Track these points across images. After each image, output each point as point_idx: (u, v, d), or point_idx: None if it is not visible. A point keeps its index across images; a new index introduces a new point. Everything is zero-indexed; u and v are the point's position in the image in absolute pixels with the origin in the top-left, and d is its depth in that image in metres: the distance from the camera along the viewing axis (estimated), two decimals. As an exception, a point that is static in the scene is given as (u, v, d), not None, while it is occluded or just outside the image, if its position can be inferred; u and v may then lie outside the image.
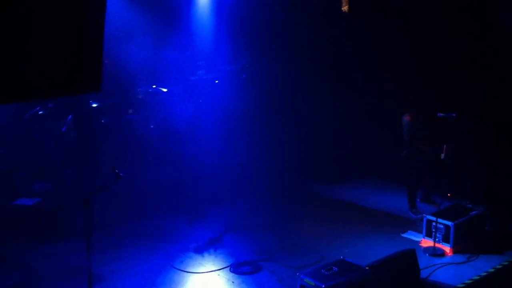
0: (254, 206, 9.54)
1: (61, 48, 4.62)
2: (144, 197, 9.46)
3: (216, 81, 11.51)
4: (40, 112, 9.38)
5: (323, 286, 6.13)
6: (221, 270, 7.50)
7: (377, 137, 10.72)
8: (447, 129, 8.62)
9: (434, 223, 8.03)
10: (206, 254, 7.95)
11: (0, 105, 7.58)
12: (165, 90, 11.06)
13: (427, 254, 7.89)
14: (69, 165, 9.61)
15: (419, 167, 9.17)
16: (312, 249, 8.02)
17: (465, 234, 8.04)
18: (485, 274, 7.38)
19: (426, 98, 9.45)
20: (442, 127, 8.68)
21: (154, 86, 11.10)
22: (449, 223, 7.95)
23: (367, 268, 6.57)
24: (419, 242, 8.25)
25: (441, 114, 8.18)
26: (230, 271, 7.49)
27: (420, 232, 8.38)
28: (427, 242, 8.16)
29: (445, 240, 7.97)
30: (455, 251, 7.90)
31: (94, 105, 10.25)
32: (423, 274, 7.29)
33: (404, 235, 8.51)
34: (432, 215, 8.14)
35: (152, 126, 10.90)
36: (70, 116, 9.64)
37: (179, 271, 7.49)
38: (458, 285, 7.12)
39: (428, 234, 8.16)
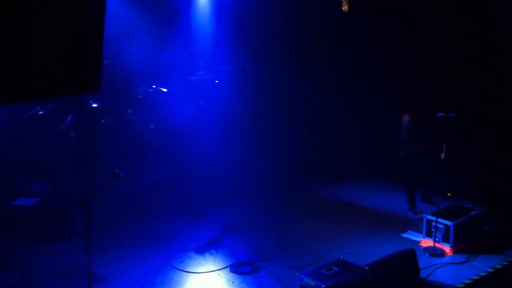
0: (254, 206, 9.53)
1: (61, 48, 4.62)
2: (144, 197, 9.46)
3: (216, 81, 11.51)
4: (40, 112, 9.38)
5: (323, 286, 6.14)
6: (221, 270, 7.51)
7: (377, 137, 10.71)
8: (447, 129, 8.62)
9: (434, 223, 8.04)
10: (206, 254, 7.95)
11: (0, 105, 7.57)
12: (165, 90, 11.06)
13: (427, 254, 7.89)
14: (69, 165, 9.60)
15: (418, 167, 9.17)
16: (312, 249, 8.02)
17: (465, 234, 8.05)
18: (484, 274, 7.39)
19: (426, 98, 9.45)
20: (442, 127, 8.68)
21: (154, 86, 11.10)
22: (449, 223, 7.95)
23: (366, 268, 6.57)
24: (419, 242, 8.26)
25: (441, 114, 8.18)
26: (230, 271, 7.49)
27: (420, 232, 8.38)
28: (427, 242, 8.16)
29: (445, 240, 7.98)
30: (455, 251, 7.91)
31: (94, 105, 10.25)
32: (423, 274, 7.30)
33: (404, 235, 8.51)
34: (432, 215, 8.14)
35: (152, 126, 10.91)
36: (70, 116, 9.64)
37: (179, 271, 7.49)
38: (457, 285, 7.12)
39: (428, 234, 8.16)
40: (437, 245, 7.98)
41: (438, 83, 9.98)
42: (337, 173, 10.94)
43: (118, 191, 8.30)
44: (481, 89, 9.68)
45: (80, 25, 4.67)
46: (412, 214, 9.18)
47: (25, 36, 4.35)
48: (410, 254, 7.19)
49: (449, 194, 8.82)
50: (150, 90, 11.08)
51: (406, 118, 9.03)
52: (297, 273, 6.54)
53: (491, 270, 7.50)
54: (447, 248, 7.95)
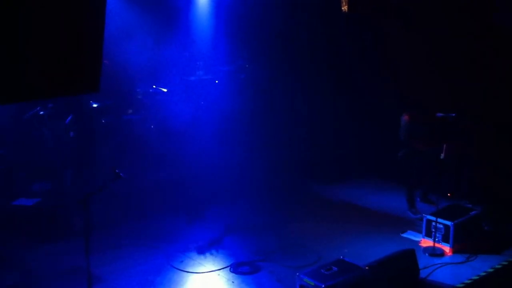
0: (254, 206, 9.54)
1: (61, 48, 4.62)
2: (144, 197, 9.46)
3: (216, 81, 11.52)
4: (40, 112, 9.38)
5: (323, 286, 6.14)
6: (221, 270, 7.50)
7: (377, 137, 10.72)
8: (446, 129, 8.62)
9: (433, 223, 8.04)
10: (206, 254, 7.95)
11: (0, 105, 7.58)
12: (165, 90, 11.07)
13: (426, 254, 7.89)
14: (69, 165, 9.61)
15: (418, 167, 9.17)
16: (311, 249, 8.02)
17: (464, 234, 8.05)
18: (484, 274, 7.39)
19: (426, 98, 9.45)
20: (441, 127, 8.68)
21: (154, 86, 11.11)
22: (448, 223, 7.95)
23: (366, 268, 6.58)
24: (418, 242, 8.26)
25: (440, 114, 8.18)
26: (230, 271, 7.49)
27: (419, 232, 8.39)
28: (426, 242, 8.16)
29: (445, 240, 7.98)
30: (455, 251, 7.91)
31: (94, 105, 10.26)
32: (423, 274, 7.30)
33: (404, 235, 8.51)
34: (432, 215, 8.14)
35: (152, 126, 10.92)
36: (70, 116, 9.65)
37: (179, 271, 7.49)
38: (457, 285, 7.12)
39: (428, 234, 8.16)
40: (437, 245, 7.98)
41: (438, 83, 9.99)
42: (337, 173, 10.94)
43: (118, 191, 8.30)
44: (481, 89, 9.69)
45: (80, 25, 4.68)
46: (411, 214, 9.18)
47: (25, 36, 4.35)
48: (410, 254, 7.20)
49: (448, 194, 8.82)
50: (150, 90, 11.09)
51: (405, 118, 9.03)
52: (297, 273, 6.54)
53: (491, 270, 7.50)
54: (446, 248, 7.95)
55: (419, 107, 9.16)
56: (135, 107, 11.04)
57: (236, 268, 7.53)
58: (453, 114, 8.07)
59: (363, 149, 11.06)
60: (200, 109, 11.14)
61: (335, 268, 6.47)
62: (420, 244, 8.18)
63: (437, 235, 8.01)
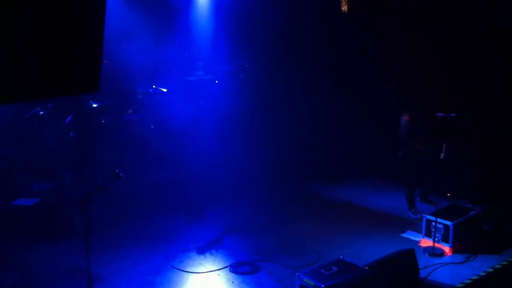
0: (254, 206, 9.54)
1: (61, 48, 4.62)
2: (144, 197, 9.46)
3: (216, 81, 11.52)
4: (40, 112, 9.39)
5: (323, 286, 6.14)
6: (220, 270, 7.51)
7: (377, 137, 10.72)
8: (446, 129, 8.63)
9: (433, 223, 8.04)
10: (205, 254, 7.96)
11: (0, 105, 7.58)
12: (164, 90, 11.07)
13: (426, 254, 7.90)
14: (69, 165, 9.61)
15: (418, 167, 9.17)
16: (311, 249, 8.02)
17: (464, 234, 8.05)
18: (484, 274, 7.39)
19: (426, 98, 9.46)
20: (441, 127, 8.68)
21: (154, 86, 11.11)
22: (448, 223, 7.96)
23: (366, 267, 6.58)
24: (418, 242, 8.26)
25: (440, 114, 8.18)
26: (230, 271, 7.49)
27: (419, 232, 8.39)
28: (426, 242, 8.16)
29: (444, 240, 7.98)
30: (454, 250, 7.91)
31: (94, 105, 10.26)
32: (422, 273, 7.30)
33: (404, 235, 8.52)
34: (432, 215, 8.15)
35: (152, 126, 10.92)
36: (70, 116, 9.65)
37: (179, 271, 7.49)
38: (457, 285, 7.13)
39: (428, 234, 8.16)
40: (437, 245, 7.98)
41: (438, 83, 9.99)
42: (337, 173, 10.93)
43: (118, 191, 8.32)
44: (481, 89, 9.69)
45: (80, 25, 4.67)
46: (411, 214, 9.18)
47: (25, 36, 4.35)
48: (410, 254, 7.20)
49: (448, 194, 8.82)
50: (150, 90, 11.10)
51: (405, 118, 9.03)
52: (297, 273, 6.55)
53: (491, 270, 7.50)
54: (446, 248, 7.96)
55: (419, 107, 9.16)
56: (135, 107, 11.04)
57: (236, 268, 7.53)
58: (453, 114, 8.07)
59: (363, 149, 11.06)
60: (200, 109, 11.14)
61: (335, 268, 6.47)
62: (420, 244, 8.19)
63: (437, 235, 8.02)
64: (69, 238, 8.09)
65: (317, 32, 11.45)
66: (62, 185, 9.43)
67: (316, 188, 10.53)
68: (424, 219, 8.25)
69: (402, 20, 10.45)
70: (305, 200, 9.95)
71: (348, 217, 9.25)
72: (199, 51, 11.44)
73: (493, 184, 9.22)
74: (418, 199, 9.54)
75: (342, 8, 10.62)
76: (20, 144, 9.52)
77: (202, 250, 8.06)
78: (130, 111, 10.97)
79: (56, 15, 4.51)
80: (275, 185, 10.36)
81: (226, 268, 7.54)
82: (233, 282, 7.24)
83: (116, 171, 6.49)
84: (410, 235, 8.49)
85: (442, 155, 8.18)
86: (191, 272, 7.48)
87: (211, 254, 7.97)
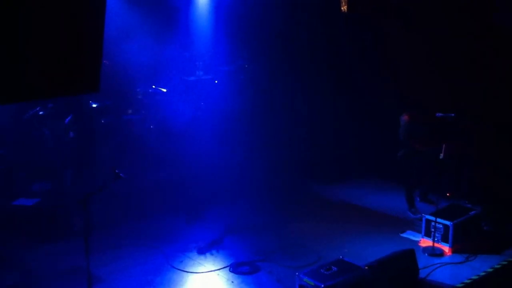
0: (254, 206, 9.54)
1: (61, 48, 4.63)
2: (144, 197, 9.47)
3: (216, 81, 11.52)
4: (40, 112, 9.39)
5: (322, 286, 6.15)
6: (220, 270, 7.51)
7: (377, 137, 10.72)
8: (446, 129, 8.63)
9: (433, 223, 8.04)
10: (205, 254, 7.96)
11: (0, 105, 7.58)
12: (164, 90, 11.07)
13: (426, 254, 7.90)
14: (69, 165, 9.61)
15: (418, 167, 9.18)
16: (311, 249, 8.02)
17: (464, 234, 8.06)
18: (483, 274, 7.39)
19: (426, 98, 9.46)
20: (441, 127, 8.68)
21: (153, 87, 11.12)
22: (448, 222, 7.96)
23: (366, 267, 6.58)
24: (418, 242, 8.26)
25: (440, 114, 8.18)
26: (230, 271, 7.49)
27: (419, 232, 8.39)
28: (426, 242, 8.17)
29: (444, 240, 7.98)
30: (454, 250, 7.91)
31: (94, 105, 10.26)
32: (422, 273, 7.30)
33: (403, 235, 8.52)
34: (431, 215, 8.15)
35: (151, 126, 10.92)
36: (70, 116, 9.65)
37: (179, 271, 7.49)
38: (457, 285, 7.13)
39: (427, 234, 8.16)
40: (436, 245, 7.98)
41: (438, 83, 9.99)
42: (337, 173, 10.94)
43: (118, 191, 8.31)
44: (481, 89, 9.69)
45: (80, 25, 4.68)
46: (411, 214, 9.18)
47: (25, 36, 4.36)
48: (409, 254, 7.20)
49: (448, 194, 8.82)
50: (150, 90, 11.10)
51: (405, 118, 9.04)
52: (297, 273, 6.55)
53: (490, 270, 7.50)
54: (446, 248, 7.96)
55: (419, 107, 9.16)
56: (135, 107, 11.04)
57: (235, 268, 7.53)
58: (453, 114, 8.06)
59: (363, 149, 11.06)
60: (200, 109, 11.15)
61: (334, 268, 6.47)
62: (419, 244, 8.19)
63: (437, 235, 8.02)
64: (69, 238, 8.09)
65: (317, 32, 11.45)
66: (62, 185, 9.43)
67: (316, 188, 10.53)
68: (423, 219, 8.25)
69: (402, 20, 10.45)
70: (305, 200, 9.95)
71: (348, 217, 9.25)
72: (199, 51, 11.44)
73: (493, 184, 9.22)
74: (418, 199, 9.55)
75: (342, 8, 10.63)
76: (20, 144, 9.52)
77: (202, 250, 8.06)
78: (130, 111, 10.97)
79: (56, 15, 4.52)
80: (275, 185, 10.37)
81: (226, 268, 7.54)
82: (233, 282, 7.24)
83: (116, 171, 6.49)
84: (410, 235, 8.49)
85: (441, 155, 8.18)
86: (191, 272, 7.48)
87: (211, 254, 7.97)
